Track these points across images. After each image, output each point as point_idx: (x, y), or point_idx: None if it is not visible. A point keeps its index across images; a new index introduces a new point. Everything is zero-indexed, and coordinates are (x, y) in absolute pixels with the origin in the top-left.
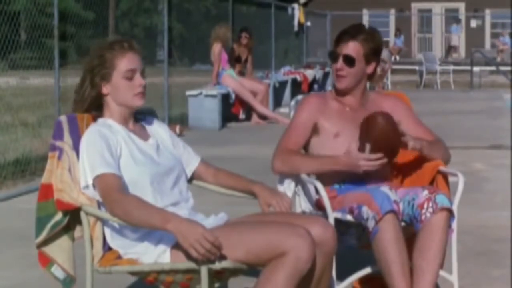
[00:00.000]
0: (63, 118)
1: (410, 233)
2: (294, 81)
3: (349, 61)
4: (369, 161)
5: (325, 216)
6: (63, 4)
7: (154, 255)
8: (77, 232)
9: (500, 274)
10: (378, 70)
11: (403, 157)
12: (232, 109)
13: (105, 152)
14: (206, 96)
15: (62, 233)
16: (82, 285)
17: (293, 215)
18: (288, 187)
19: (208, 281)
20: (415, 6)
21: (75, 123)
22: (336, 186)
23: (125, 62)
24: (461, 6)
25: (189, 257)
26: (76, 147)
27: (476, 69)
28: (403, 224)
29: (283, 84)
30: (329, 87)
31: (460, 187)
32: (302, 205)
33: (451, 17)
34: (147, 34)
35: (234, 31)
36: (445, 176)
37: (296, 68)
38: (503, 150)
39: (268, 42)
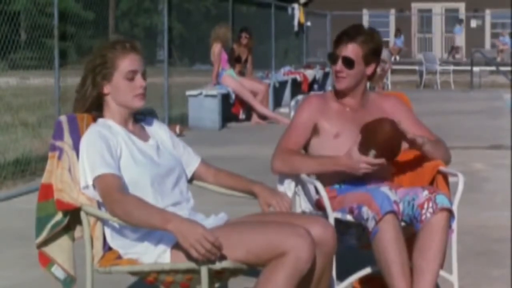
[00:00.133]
0: (63, 118)
1: (410, 233)
2: (294, 81)
3: (348, 63)
4: (370, 165)
5: (325, 216)
6: (63, 4)
7: (154, 255)
8: (77, 232)
9: (500, 274)
10: (378, 70)
11: (403, 157)
12: (232, 109)
13: (105, 153)
14: (206, 96)
15: (62, 233)
16: (82, 285)
17: (293, 215)
18: (288, 187)
19: (208, 281)
20: (415, 6)
21: (75, 123)
22: (336, 186)
23: (126, 63)
24: (461, 6)
25: (189, 257)
26: (76, 147)
27: (476, 69)
28: (403, 224)
29: (283, 84)
30: (329, 87)
31: (460, 187)
32: (302, 205)
33: (455, 18)
34: (147, 34)
35: (234, 31)
36: (445, 176)
37: (296, 68)
38: (503, 150)
39: (268, 42)
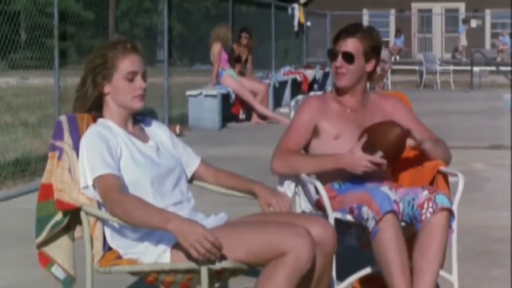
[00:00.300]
0: (63, 118)
1: (410, 233)
2: (294, 81)
3: (348, 58)
4: (373, 163)
5: (325, 216)
6: (63, 4)
7: (154, 255)
8: (77, 232)
9: (500, 274)
10: (378, 70)
11: (403, 156)
12: (232, 109)
13: (105, 153)
14: (206, 96)
15: (62, 233)
16: (82, 285)
17: (293, 215)
18: (288, 188)
19: (208, 281)
20: (415, 6)
21: (75, 123)
22: (336, 186)
23: (126, 64)
24: (461, 6)
25: (189, 257)
26: (76, 147)
27: (476, 69)
28: (403, 224)
29: (283, 84)
30: (329, 87)
31: (460, 187)
32: (302, 205)
33: (458, 18)
34: (147, 34)
35: (234, 31)
36: (445, 176)
37: (296, 68)
38: (503, 150)
39: (268, 42)
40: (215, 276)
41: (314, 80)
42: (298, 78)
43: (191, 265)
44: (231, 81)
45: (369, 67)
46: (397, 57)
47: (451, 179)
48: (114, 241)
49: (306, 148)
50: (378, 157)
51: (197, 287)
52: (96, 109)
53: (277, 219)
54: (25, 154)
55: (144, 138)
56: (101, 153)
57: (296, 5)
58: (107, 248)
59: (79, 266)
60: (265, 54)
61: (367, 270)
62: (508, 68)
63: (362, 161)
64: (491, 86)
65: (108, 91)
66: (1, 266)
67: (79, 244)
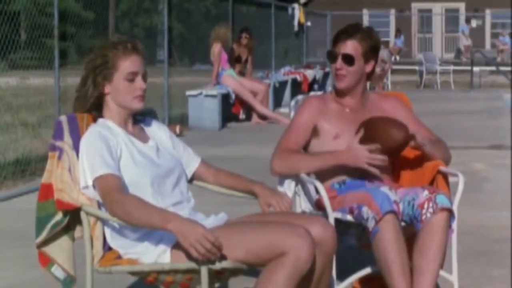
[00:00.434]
0: (63, 118)
1: (410, 233)
2: (294, 81)
3: (348, 60)
4: (371, 156)
5: (325, 216)
6: (63, 4)
7: (154, 255)
8: (77, 232)
9: (500, 274)
10: (378, 70)
11: (403, 157)
12: (232, 109)
13: (105, 153)
14: (206, 96)
15: (62, 233)
16: (82, 285)
17: (293, 215)
18: (288, 188)
19: (208, 281)
20: (415, 6)
21: (75, 123)
22: (336, 186)
23: (127, 64)
24: (461, 6)
25: (189, 257)
26: (76, 147)
27: (476, 69)
28: (403, 224)
29: (283, 84)
30: (329, 87)
31: (460, 187)
32: (302, 205)
33: (464, 18)
34: (147, 34)
35: (234, 31)
36: (445, 176)
37: (296, 68)
38: (503, 150)
39: (268, 42)
40: (215, 276)
41: (314, 80)
42: (298, 78)
43: (191, 265)
44: (231, 81)
45: (369, 67)
46: (397, 57)
47: (451, 179)
48: (114, 241)
49: (305, 148)
50: (374, 148)
51: (197, 287)
52: (96, 109)
53: (277, 219)
54: (25, 154)
55: (144, 138)
56: (101, 153)
57: (296, 5)
58: (107, 248)
59: (79, 266)
60: (265, 54)
61: (367, 270)
62: (508, 68)
63: (361, 151)
64: (491, 86)
65: (108, 91)
66: (1, 266)
67: (79, 244)
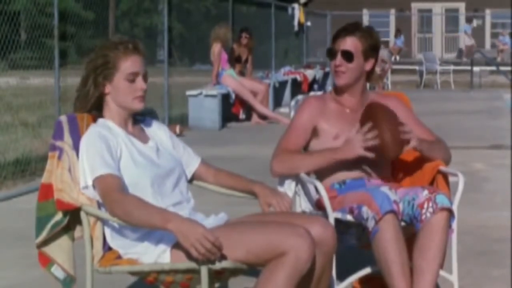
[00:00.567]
0: (63, 118)
1: (410, 233)
2: (294, 81)
3: (348, 56)
4: (363, 138)
5: (325, 216)
6: (63, 4)
7: (154, 255)
8: (77, 232)
9: (500, 274)
10: (378, 70)
11: (403, 157)
12: (232, 109)
13: (105, 153)
14: (206, 96)
15: (62, 233)
16: (82, 285)
17: (293, 215)
18: (288, 188)
19: (208, 281)
20: (415, 6)
21: (75, 123)
22: (336, 186)
23: (128, 64)
24: (461, 6)
25: (189, 257)
26: (76, 147)
27: (476, 69)
28: (403, 224)
29: (283, 84)
30: (329, 87)
31: (460, 187)
32: (302, 205)
33: (465, 17)
34: (147, 34)
35: (234, 31)
36: (445, 176)
37: (296, 68)
38: (503, 150)
39: (268, 42)
40: (215, 276)
41: (314, 80)
42: (298, 78)
43: (191, 265)
44: (231, 81)
45: (368, 66)
46: (397, 57)
47: (451, 179)
48: (114, 241)
49: (306, 148)
50: (366, 128)
51: (197, 287)
52: (96, 109)
53: (277, 219)
54: (25, 154)
55: (144, 139)
56: (101, 153)
57: (296, 5)
58: (107, 248)
59: (79, 266)
60: (265, 54)
61: (367, 270)
62: (508, 68)
63: (355, 138)
64: (491, 86)
65: (109, 91)
66: (1, 266)
67: (79, 244)
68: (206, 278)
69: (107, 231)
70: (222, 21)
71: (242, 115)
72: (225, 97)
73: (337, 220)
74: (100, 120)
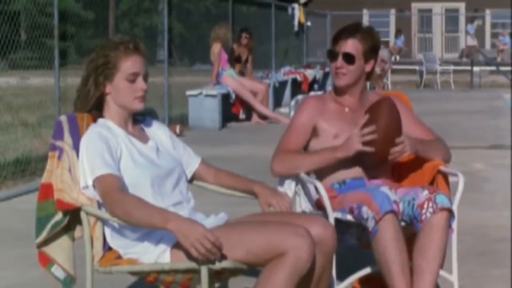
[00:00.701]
0: (63, 118)
1: (410, 233)
2: (294, 81)
3: (349, 59)
4: (361, 133)
5: (325, 216)
6: (63, 4)
7: (154, 255)
8: (77, 232)
9: (500, 274)
10: (378, 70)
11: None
12: (232, 109)
13: (105, 153)
14: (206, 96)
15: (62, 233)
16: (82, 285)
17: (293, 214)
18: (288, 188)
19: (208, 281)
20: (415, 6)
21: (75, 123)
22: (336, 186)
23: (128, 65)
24: (461, 6)
25: (189, 257)
26: (76, 147)
27: (476, 69)
28: (403, 224)
29: (283, 84)
30: (329, 87)
31: (460, 187)
32: (302, 205)
33: (470, 17)
34: (147, 34)
35: (234, 31)
36: (445, 176)
37: (296, 68)
38: (503, 150)
39: (268, 42)
40: (215, 276)
41: (314, 80)
42: (298, 78)
43: (191, 265)
44: (231, 81)
45: (368, 67)
46: (397, 57)
47: (451, 179)
48: (114, 241)
49: (305, 148)
50: (364, 120)
51: (197, 287)
52: (96, 109)
53: (277, 219)
54: (25, 154)
55: (144, 139)
56: (101, 153)
57: (296, 5)
58: (107, 248)
59: (79, 266)
60: (265, 54)
61: (367, 270)
62: (508, 68)
63: (353, 137)
64: (491, 86)
65: (109, 91)
66: (1, 266)
67: (79, 244)
68: (206, 278)
69: (107, 231)
70: (222, 21)
71: (242, 115)
72: (225, 97)
73: (337, 220)
74: (100, 120)
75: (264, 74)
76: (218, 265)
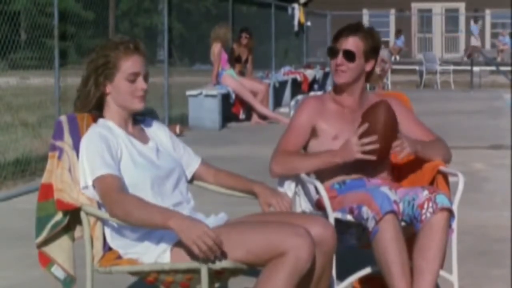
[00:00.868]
0: (63, 118)
1: (410, 233)
2: (294, 81)
3: (349, 56)
4: (360, 143)
5: (325, 216)
6: (63, 4)
7: (154, 255)
8: (77, 232)
9: (500, 274)
10: (378, 70)
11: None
12: (232, 109)
13: (105, 154)
14: (206, 96)
15: (62, 233)
16: (82, 285)
17: (293, 215)
18: (288, 188)
19: (208, 281)
20: (415, 6)
21: (75, 123)
22: (336, 186)
23: (128, 65)
24: (461, 6)
25: (190, 255)
26: (76, 147)
27: (476, 69)
28: (403, 224)
29: (283, 84)
30: (329, 87)
31: (460, 187)
32: (302, 205)
33: (472, 17)
34: (147, 34)
35: (234, 31)
36: (445, 176)
37: (296, 68)
38: (503, 150)
39: (268, 42)
40: (215, 276)
41: (314, 80)
42: (298, 78)
43: (191, 265)
44: (231, 81)
45: (368, 67)
46: (397, 57)
47: (451, 179)
48: (114, 241)
49: (304, 148)
50: (362, 129)
51: (197, 287)
52: (96, 109)
53: (277, 219)
54: (25, 154)
55: (144, 139)
56: (101, 154)
57: (296, 5)
58: (107, 248)
59: (79, 266)
60: (265, 54)
61: (367, 270)
62: (508, 68)
63: (352, 142)
64: (491, 86)
65: (109, 91)
66: (1, 266)
67: (79, 244)
68: (206, 278)
69: (107, 231)
70: (222, 21)
71: (242, 115)
72: (225, 97)
73: (337, 220)
74: (100, 120)
75: (264, 74)
76: (218, 265)
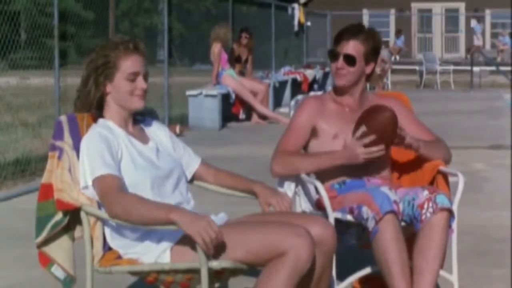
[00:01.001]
0: (63, 118)
1: (410, 233)
2: (294, 81)
3: (350, 60)
4: (364, 146)
5: (325, 216)
6: (63, 4)
7: (154, 255)
8: (77, 232)
9: (500, 274)
10: (378, 70)
11: (403, 157)
12: (232, 109)
13: (105, 154)
14: (206, 96)
15: (62, 233)
16: (82, 285)
17: (293, 214)
18: (288, 188)
19: (208, 281)
20: (415, 6)
21: (75, 123)
22: (336, 186)
23: (128, 64)
24: (461, 6)
25: (190, 255)
26: (76, 147)
27: (476, 69)
28: (403, 224)
29: (283, 84)
30: (329, 87)
31: (460, 187)
32: (302, 205)
33: (473, 17)
34: (147, 34)
35: (234, 31)
36: (445, 176)
37: (296, 68)
38: (503, 150)
39: (268, 42)
40: (215, 276)
41: (314, 80)
42: (298, 78)
43: (191, 265)
44: (231, 81)
45: (369, 69)
46: (397, 57)
47: (451, 179)
48: (114, 241)
49: (305, 148)
50: (361, 131)
51: (197, 287)
52: (97, 108)
53: (277, 219)
54: (25, 154)
55: (144, 139)
56: (101, 154)
57: (296, 5)
58: (107, 248)
59: (79, 266)
60: (265, 54)
61: (367, 270)
62: (508, 68)
63: (357, 148)
64: (491, 86)
65: (109, 91)
66: (1, 266)
67: (79, 244)
68: (206, 278)
69: (107, 231)
70: (222, 21)
71: (242, 115)
72: (225, 97)
73: (337, 220)
74: (100, 120)
75: (264, 74)
76: (218, 265)
